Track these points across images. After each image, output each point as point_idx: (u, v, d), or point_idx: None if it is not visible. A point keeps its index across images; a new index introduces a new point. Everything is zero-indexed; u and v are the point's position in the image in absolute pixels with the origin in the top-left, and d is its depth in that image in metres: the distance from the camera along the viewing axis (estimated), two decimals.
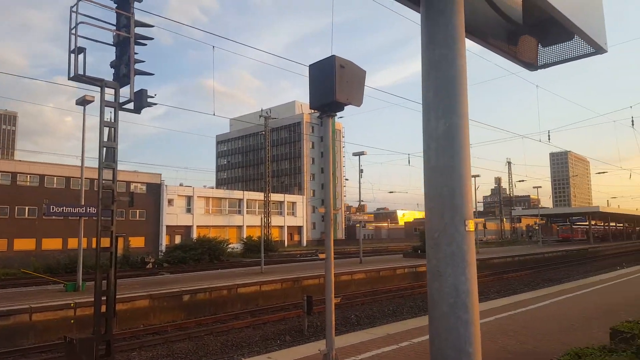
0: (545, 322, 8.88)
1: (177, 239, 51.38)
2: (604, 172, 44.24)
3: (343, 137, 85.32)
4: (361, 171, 43.46)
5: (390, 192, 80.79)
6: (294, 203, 72.47)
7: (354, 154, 26.81)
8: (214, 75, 47.05)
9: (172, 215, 55.68)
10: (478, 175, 41.67)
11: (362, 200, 72.19)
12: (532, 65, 2.27)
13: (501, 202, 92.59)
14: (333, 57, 4.43)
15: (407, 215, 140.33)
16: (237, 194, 66.93)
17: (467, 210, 1.49)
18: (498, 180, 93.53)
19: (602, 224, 73.42)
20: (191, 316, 14.34)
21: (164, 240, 52.34)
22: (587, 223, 61.96)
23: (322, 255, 40.27)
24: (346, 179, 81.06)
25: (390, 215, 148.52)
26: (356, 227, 29.66)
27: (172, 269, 28.24)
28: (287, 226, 71.09)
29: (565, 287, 15.82)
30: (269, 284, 17.50)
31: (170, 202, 55.62)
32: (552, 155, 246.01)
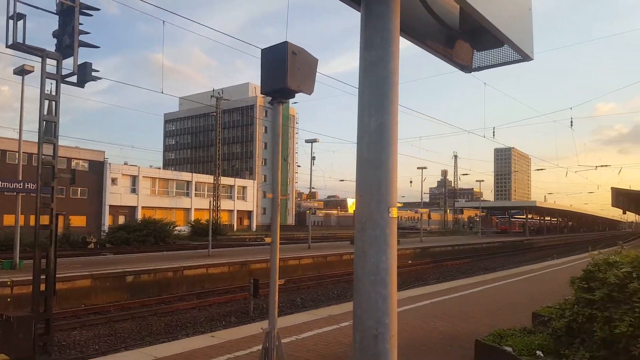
0: (476, 306, 9.54)
1: (121, 220, 49.79)
2: (542, 169, 46.96)
3: (297, 123, 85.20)
4: (313, 158, 43.77)
5: (341, 181, 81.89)
6: (244, 187, 71.89)
7: (307, 141, 27.02)
8: (163, 52, 45.62)
9: (116, 194, 53.78)
10: (425, 167, 43.18)
11: (313, 188, 72.68)
12: (467, 67, 2.54)
13: (446, 194, 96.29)
14: (285, 43, 4.51)
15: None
16: (185, 175, 65.49)
17: (392, 199, 1.72)
18: (444, 173, 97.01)
19: (538, 218, 78.04)
20: (135, 297, 14.15)
21: (107, 221, 50.57)
22: (524, 216, 65.70)
23: (267, 240, 40.37)
24: (298, 166, 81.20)
25: (341, 203, 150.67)
26: (306, 213, 29.98)
27: (115, 250, 27.49)
28: (237, 210, 70.55)
29: (498, 275, 16.91)
30: (216, 267, 17.49)
31: (113, 181, 53.64)
32: (496, 150, 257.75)
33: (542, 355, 4.73)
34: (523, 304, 9.41)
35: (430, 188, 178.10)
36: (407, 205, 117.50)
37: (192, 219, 52.86)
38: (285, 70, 4.34)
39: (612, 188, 33.50)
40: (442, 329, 7.24)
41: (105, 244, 30.87)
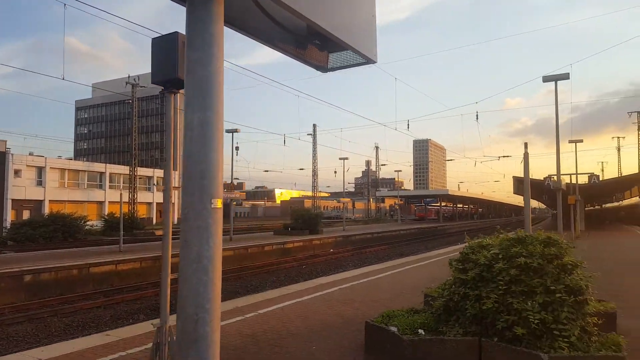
0: (382, 290, 10.03)
1: (26, 215, 45.89)
2: (451, 160, 49.89)
3: None
4: (236, 149, 43.03)
5: (265, 171, 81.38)
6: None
7: (227, 131, 26.51)
8: (64, 35, 42.22)
9: (20, 188, 49.39)
10: (347, 158, 44.16)
11: (237, 179, 71.53)
12: (322, 67, 2.65)
13: (369, 184, 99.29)
14: (176, 33, 4.43)
15: (284, 193, 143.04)
16: (98, 166, 61.59)
17: (215, 191, 1.78)
18: (368, 163, 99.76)
19: (452, 205, 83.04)
20: (34, 298, 13.18)
21: (9, 216, 46.33)
22: (438, 204, 69.66)
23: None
24: None
25: (268, 194, 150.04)
26: (229, 205, 29.53)
27: (18, 248, 25.32)
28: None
29: (409, 259, 17.84)
30: (126, 263, 16.74)
31: (17, 173, 49.17)
32: (415, 142, 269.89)
33: (423, 333, 5.10)
34: (425, 286, 9.99)
35: (355, 178, 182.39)
36: (333, 195, 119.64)
37: (106, 212, 49.96)
38: (175, 61, 4.26)
39: (513, 177, 36.44)
40: (344, 314, 7.53)
41: (7, 241, 28.35)
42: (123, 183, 60.08)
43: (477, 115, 33.48)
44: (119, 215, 39.07)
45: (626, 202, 55.68)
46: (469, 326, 4.94)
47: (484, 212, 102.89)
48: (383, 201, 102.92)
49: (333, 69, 2.64)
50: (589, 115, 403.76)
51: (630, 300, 8.63)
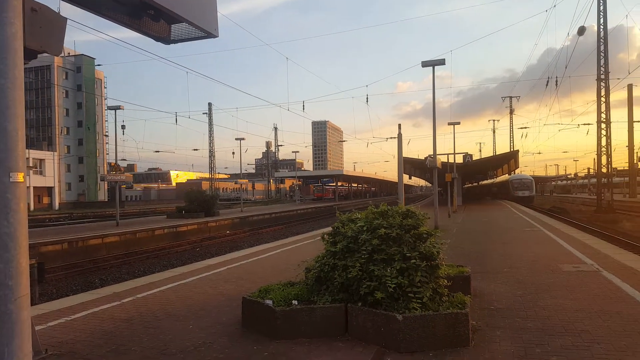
0: (268, 268, 10.23)
1: None
2: (344, 141, 51.68)
3: (105, 87, 76.73)
4: (123, 127, 40.33)
5: (156, 152, 77.25)
6: (41, 160, 62.52)
7: (109, 108, 24.65)
8: None
9: None
10: (243, 139, 43.65)
11: (125, 160, 67.14)
12: (164, 39, 2.60)
13: (269, 165, 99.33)
14: None
15: (180, 175, 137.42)
16: None
17: (13, 164, 1.69)
18: (267, 145, 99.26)
19: (347, 185, 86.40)
20: None
21: None
22: (335, 184, 72.07)
23: None
24: (106, 135, 73.54)
25: (163, 176, 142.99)
26: (116, 188, 27.69)
27: None
28: (34, 187, 61.22)
29: (303, 236, 18.32)
30: None
31: None
32: (314, 124, 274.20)
33: (296, 303, 5.34)
34: (309, 261, 10.39)
35: (255, 159, 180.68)
36: (232, 177, 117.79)
37: None
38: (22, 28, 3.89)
39: (403, 157, 38.86)
40: (227, 292, 7.58)
41: None
42: None
43: (367, 98, 35.01)
44: None
45: (498, 179, 62.40)
46: (337, 294, 5.27)
47: (377, 190, 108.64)
48: (283, 182, 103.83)
49: (175, 41, 2.61)
50: (471, 99, 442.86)
51: (488, 265, 9.78)
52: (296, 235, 21.82)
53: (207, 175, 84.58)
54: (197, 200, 31.91)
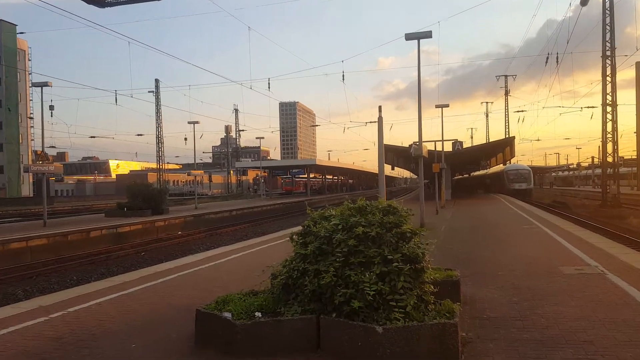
0: (228, 273, 10.19)
1: None
2: (317, 125, 51.73)
3: (30, 60, 74.06)
4: (51, 108, 39.17)
5: (91, 137, 75.46)
6: None
7: (34, 85, 23.86)
8: None
9: None
10: (197, 122, 43.03)
11: (55, 147, 65.32)
12: (98, 1, 2.52)
13: (229, 153, 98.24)
14: None
15: (121, 165, 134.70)
16: None
17: None
18: (227, 129, 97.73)
19: (320, 176, 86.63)
20: None
21: None
22: (306, 176, 72.13)
23: None
24: (30, 117, 71.01)
25: (101, 166, 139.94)
26: (44, 181, 26.92)
27: None
28: None
29: (269, 237, 18.32)
30: None
31: None
32: (282, 105, 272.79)
33: (260, 316, 5.32)
34: (275, 266, 10.38)
35: (213, 147, 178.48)
36: (185, 168, 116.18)
37: None
38: None
39: (384, 145, 39.15)
40: (178, 304, 7.49)
41: None
42: None
43: (343, 76, 34.99)
44: None
45: (492, 169, 63.78)
46: (307, 304, 5.27)
47: (355, 183, 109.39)
48: (245, 173, 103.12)
49: (111, 4, 2.55)
50: (462, 78, 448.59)
51: (480, 267, 9.99)
52: (261, 235, 21.80)
53: (154, 165, 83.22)
54: (142, 195, 31.40)
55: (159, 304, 7.60)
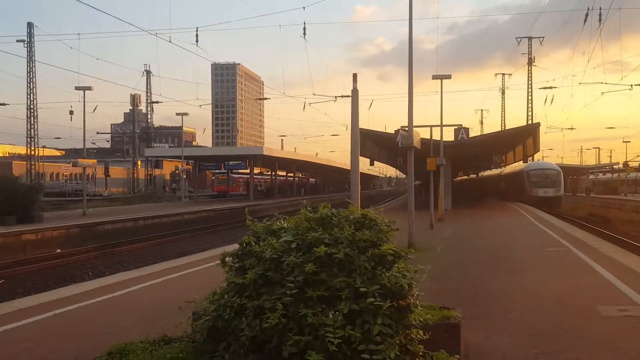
0: (127, 313, 10.08)
1: None
2: (267, 99, 51.31)
3: None
4: None
5: None
6: None
7: None
8: None
9: None
10: (89, 88, 42.24)
11: None
12: None
13: (136, 135, 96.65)
14: None
15: None
16: None
17: None
18: (134, 100, 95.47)
19: (270, 172, 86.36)
20: None
21: None
22: (249, 171, 71.68)
23: None
24: None
25: None
26: None
27: None
28: None
29: (193, 259, 18.32)
30: None
31: None
32: (216, 68, 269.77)
33: None
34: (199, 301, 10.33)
35: (112, 125, 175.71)
36: (69, 154, 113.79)
37: None
38: None
39: (359, 129, 39.38)
40: (60, 352, 7.45)
41: None
42: None
43: (304, 29, 34.89)
44: None
45: (508, 168, 65.10)
46: (244, 356, 5.25)
47: (319, 183, 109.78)
48: (160, 166, 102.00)
49: None
50: (470, 38, 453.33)
51: (487, 305, 10.17)
52: (180, 256, 21.68)
53: (22, 150, 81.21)
54: (3, 193, 30.70)
55: (24, 357, 7.48)
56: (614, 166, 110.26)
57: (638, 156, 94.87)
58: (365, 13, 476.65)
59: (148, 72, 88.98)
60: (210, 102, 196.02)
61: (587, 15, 36.25)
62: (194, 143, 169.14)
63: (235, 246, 6.14)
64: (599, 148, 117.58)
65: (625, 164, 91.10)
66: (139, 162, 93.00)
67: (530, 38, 79.52)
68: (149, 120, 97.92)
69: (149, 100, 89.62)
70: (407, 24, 19.41)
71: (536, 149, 45.97)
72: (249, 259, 5.64)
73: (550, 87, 65.91)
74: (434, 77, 30.63)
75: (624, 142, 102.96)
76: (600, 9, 35.60)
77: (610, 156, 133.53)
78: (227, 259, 5.88)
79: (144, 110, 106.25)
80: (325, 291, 5.16)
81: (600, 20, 35.28)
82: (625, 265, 15.10)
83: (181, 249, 28.77)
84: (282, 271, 5.32)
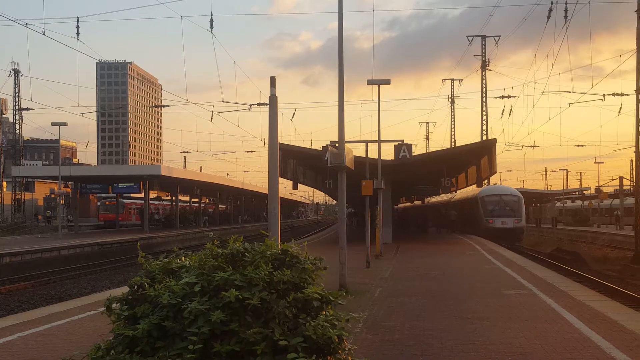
0: None
1: None
2: (166, 106, 51.11)
3: None
4: None
5: None
6: None
7: None
8: None
9: None
10: None
11: None
12: None
13: (1, 150, 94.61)
14: None
15: None
16: None
17: None
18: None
19: (170, 197, 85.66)
20: None
21: None
22: (142, 195, 70.93)
23: None
24: None
25: None
26: None
27: None
28: None
29: (64, 307, 17.92)
30: None
31: None
32: (101, 67, 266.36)
33: None
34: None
35: None
36: None
37: None
38: None
39: (279, 144, 39.55)
40: None
41: None
42: None
43: (211, 21, 34.87)
44: None
45: (460, 193, 66.27)
46: None
47: (231, 210, 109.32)
48: (31, 188, 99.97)
49: None
50: (414, 36, 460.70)
51: None
52: (57, 302, 21.34)
53: None
54: None
55: None
56: (585, 192, 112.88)
57: (612, 180, 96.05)
58: (288, 3, 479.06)
59: (16, 72, 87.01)
60: (95, 109, 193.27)
61: (550, 10, 36.24)
62: (74, 160, 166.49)
63: (125, 289, 6.06)
64: (566, 170, 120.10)
65: (598, 189, 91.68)
66: (5, 184, 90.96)
67: (484, 37, 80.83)
68: (17, 131, 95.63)
69: (17, 107, 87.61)
70: (337, 16, 19.54)
71: (492, 170, 46.61)
72: (141, 305, 5.58)
73: (509, 96, 67.02)
74: (370, 83, 30.84)
75: (595, 162, 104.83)
76: (566, 2, 35.42)
77: (580, 180, 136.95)
78: (114, 305, 5.79)
79: (10, 119, 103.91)
80: (237, 345, 5.16)
81: (566, 16, 35.13)
82: (599, 311, 15.35)
83: (57, 293, 28.34)
84: (183, 320, 5.29)
